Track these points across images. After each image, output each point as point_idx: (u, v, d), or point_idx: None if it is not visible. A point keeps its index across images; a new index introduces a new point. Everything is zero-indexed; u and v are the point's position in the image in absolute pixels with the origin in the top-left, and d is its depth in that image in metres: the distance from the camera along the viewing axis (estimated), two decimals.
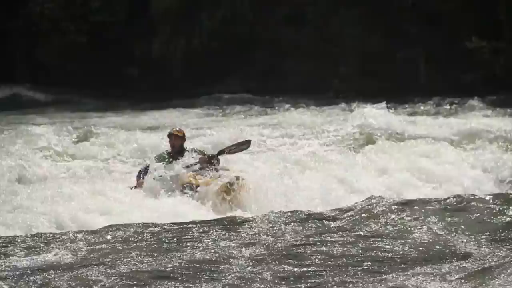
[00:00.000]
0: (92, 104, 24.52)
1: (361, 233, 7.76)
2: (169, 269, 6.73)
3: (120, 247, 7.53)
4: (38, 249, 7.57)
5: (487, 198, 9.02)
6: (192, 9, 26.89)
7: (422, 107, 20.17)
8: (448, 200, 9.00)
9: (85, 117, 20.77)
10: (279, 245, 7.40)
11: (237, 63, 26.00)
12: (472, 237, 7.41)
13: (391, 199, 9.15)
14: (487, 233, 7.53)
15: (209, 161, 10.42)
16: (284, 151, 13.31)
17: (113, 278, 6.49)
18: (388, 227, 7.88)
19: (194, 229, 8.17)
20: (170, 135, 10.68)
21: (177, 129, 10.79)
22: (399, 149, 12.40)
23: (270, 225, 8.31)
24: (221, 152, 10.73)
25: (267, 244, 7.45)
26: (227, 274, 6.54)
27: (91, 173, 11.48)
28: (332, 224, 8.21)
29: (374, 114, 15.17)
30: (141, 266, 6.84)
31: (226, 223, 8.58)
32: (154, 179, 10.14)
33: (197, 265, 6.79)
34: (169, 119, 17.09)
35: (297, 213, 8.76)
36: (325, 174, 10.85)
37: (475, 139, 13.35)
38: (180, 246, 7.47)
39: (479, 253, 6.89)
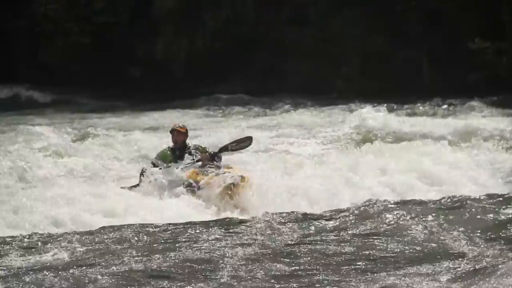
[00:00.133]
0: (93, 104, 24.54)
1: (356, 232, 7.79)
2: (164, 268, 6.76)
3: (116, 247, 7.56)
4: (35, 249, 7.59)
5: (484, 198, 9.05)
6: (194, 10, 26.88)
7: (424, 108, 20.14)
8: (444, 200, 9.03)
9: (85, 117, 20.79)
10: (274, 245, 7.44)
11: (239, 64, 25.99)
12: (467, 237, 7.43)
13: (389, 199, 9.18)
14: (481, 233, 7.54)
15: (210, 159, 10.43)
16: (283, 151, 13.30)
17: (109, 277, 6.53)
18: (384, 227, 7.90)
19: (191, 230, 8.19)
20: (172, 131, 10.68)
21: (180, 125, 10.80)
22: (398, 150, 12.39)
23: (267, 225, 8.34)
24: (222, 149, 10.72)
25: (262, 244, 7.48)
26: (221, 273, 6.57)
27: (90, 173, 11.47)
28: (328, 224, 8.24)
29: (373, 115, 15.16)
30: (137, 265, 6.86)
31: (223, 223, 8.61)
32: (150, 182, 10.15)
33: (193, 265, 6.82)
34: (169, 119, 17.09)
35: (294, 214, 8.80)
36: (323, 175, 10.82)
37: (474, 139, 13.31)
38: (176, 246, 7.49)
39: (473, 253, 6.90)
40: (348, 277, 6.40)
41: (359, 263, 6.76)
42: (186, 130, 10.73)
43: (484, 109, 18.97)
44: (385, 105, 17.02)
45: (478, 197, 9.02)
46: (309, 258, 6.94)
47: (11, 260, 7.22)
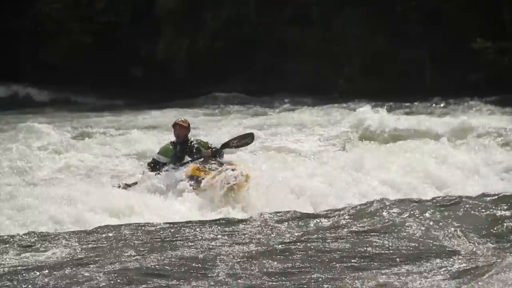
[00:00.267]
0: (94, 103, 24.65)
1: (353, 230, 7.80)
2: (161, 267, 6.76)
3: (114, 246, 7.57)
4: (33, 247, 7.61)
5: (481, 196, 9.08)
6: (196, 10, 26.90)
7: (424, 107, 20.19)
8: (441, 198, 9.05)
9: (85, 116, 20.85)
10: (271, 243, 7.44)
11: (241, 63, 26.01)
12: (463, 235, 7.42)
13: (386, 198, 9.19)
14: (478, 231, 7.55)
15: (212, 155, 10.44)
16: (281, 150, 13.29)
17: (106, 276, 6.52)
18: (380, 225, 7.90)
19: (190, 229, 8.20)
20: (175, 125, 10.69)
21: (182, 119, 10.84)
22: (397, 148, 12.41)
23: (264, 224, 8.34)
24: (225, 146, 10.73)
25: (258, 242, 7.49)
26: (218, 271, 6.58)
27: (89, 171, 11.49)
28: (325, 222, 8.25)
29: (373, 115, 15.18)
30: (135, 264, 6.87)
31: (221, 222, 8.61)
32: (150, 184, 10.16)
33: (189, 263, 6.82)
34: (168, 118, 17.12)
35: (291, 212, 8.78)
36: (322, 173, 10.82)
37: (473, 138, 13.33)
38: (174, 245, 7.51)
39: (468, 251, 6.91)
40: (343, 275, 6.41)
41: (354, 261, 6.77)
42: (189, 124, 10.74)
43: (485, 108, 19.00)
44: (386, 104, 17.06)
45: (475, 196, 9.03)
46: (305, 256, 6.94)
47: (8, 258, 7.22)
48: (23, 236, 8.11)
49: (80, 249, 7.47)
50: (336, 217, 8.50)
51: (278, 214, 8.73)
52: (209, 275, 6.51)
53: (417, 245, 7.19)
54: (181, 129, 10.64)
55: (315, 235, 7.67)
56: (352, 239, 7.44)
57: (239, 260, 6.87)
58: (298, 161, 11.73)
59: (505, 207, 8.30)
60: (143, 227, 8.40)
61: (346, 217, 8.45)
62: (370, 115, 15.01)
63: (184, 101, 22.36)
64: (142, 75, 27.21)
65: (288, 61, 25.84)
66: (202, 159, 10.35)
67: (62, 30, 27.47)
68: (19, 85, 26.74)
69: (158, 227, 8.42)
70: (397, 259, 6.78)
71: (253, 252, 7.11)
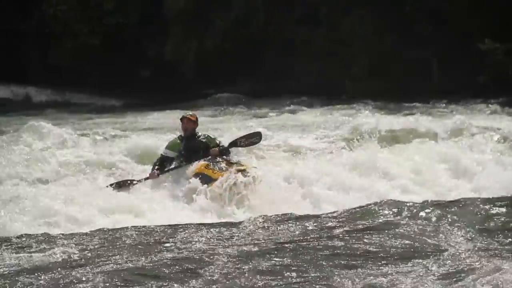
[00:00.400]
0: (95, 105, 24.71)
1: (347, 231, 7.80)
2: (156, 268, 6.79)
3: (110, 248, 7.59)
4: (29, 249, 7.63)
5: (480, 198, 9.06)
6: (204, 10, 26.90)
7: (430, 108, 20.15)
8: (435, 200, 9.04)
9: (90, 117, 20.94)
10: (264, 244, 7.47)
11: (249, 64, 26.01)
12: (453, 237, 7.43)
13: (385, 199, 9.15)
14: (469, 234, 7.52)
15: (220, 154, 10.44)
16: (283, 150, 13.33)
17: (101, 277, 6.53)
18: (374, 226, 7.91)
19: (187, 230, 8.22)
20: (182, 119, 10.71)
21: (190, 113, 10.87)
22: (400, 151, 12.40)
23: (261, 225, 8.36)
24: (232, 144, 10.73)
25: (252, 243, 7.52)
26: (211, 272, 6.62)
27: (89, 172, 11.49)
28: (321, 224, 8.24)
29: (378, 115, 15.19)
30: (131, 265, 6.90)
31: (219, 224, 8.64)
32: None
33: (185, 264, 6.85)
34: (172, 120, 17.17)
35: (289, 214, 8.77)
36: (325, 173, 10.82)
37: (474, 138, 13.29)
38: (171, 247, 7.53)
39: (456, 253, 6.89)
40: (333, 274, 6.45)
41: (345, 261, 6.81)
42: (196, 118, 10.75)
43: (491, 109, 18.92)
44: (392, 105, 17.00)
45: (470, 197, 9.05)
46: (297, 256, 6.98)
47: (4, 259, 7.23)
48: (19, 237, 8.15)
49: (76, 250, 7.48)
50: (334, 217, 8.52)
51: (277, 216, 8.71)
52: (204, 276, 6.54)
53: (408, 245, 7.21)
54: (188, 122, 10.65)
55: (309, 236, 7.69)
56: (346, 240, 7.45)
57: (234, 260, 6.89)
58: (302, 161, 11.72)
59: (500, 209, 8.29)
60: (141, 229, 8.41)
61: (341, 218, 8.45)
62: (376, 115, 15.02)
63: (189, 102, 22.36)
64: (149, 77, 27.23)
65: (296, 61, 25.82)
66: (209, 157, 10.34)
67: (69, 31, 27.51)
68: (24, 87, 26.83)
69: (156, 228, 8.42)
70: (388, 259, 6.81)
71: (248, 252, 7.13)
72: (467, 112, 18.17)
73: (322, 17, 26.15)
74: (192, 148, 10.49)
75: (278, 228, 8.17)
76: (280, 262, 6.80)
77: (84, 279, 6.53)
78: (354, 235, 7.58)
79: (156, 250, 7.39)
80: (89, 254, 7.35)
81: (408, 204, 8.58)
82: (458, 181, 10.69)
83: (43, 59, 27.72)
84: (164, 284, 6.38)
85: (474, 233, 7.46)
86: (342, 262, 6.76)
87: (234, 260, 6.90)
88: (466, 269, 6.34)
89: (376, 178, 10.64)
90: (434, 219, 8.01)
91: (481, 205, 8.45)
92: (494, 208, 8.32)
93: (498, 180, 10.16)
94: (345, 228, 7.90)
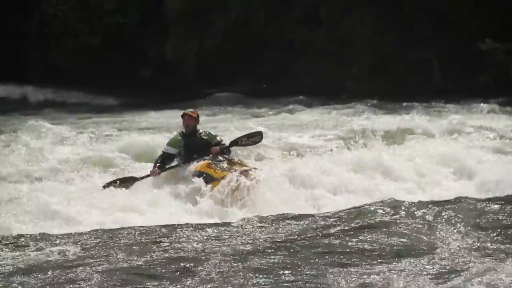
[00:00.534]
0: (95, 104, 24.72)
1: (343, 230, 7.79)
2: (153, 268, 6.80)
3: (107, 247, 7.59)
4: (25, 248, 7.63)
5: (479, 198, 9.04)
6: (204, 10, 26.89)
7: (430, 108, 20.14)
8: (436, 198, 9.08)
9: (86, 117, 20.99)
10: (261, 243, 7.48)
11: (249, 64, 26.01)
12: (449, 236, 7.41)
13: (383, 199, 9.14)
14: (465, 234, 7.49)
15: (220, 152, 10.44)
16: (282, 150, 13.32)
17: (98, 277, 6.54)
18: (371, 225, 7.90)
19: (183, 230, 8.21)
20: (184, 115, 10.74)
21: (192, 109, 10.90)
22: (401, 150, 12.40)
23: (260, 225, 8.35)
24: (233, 144, 10.75)
25: (248, 242, 7.54)
26: (207, 271, 6.63)
27: (89, 172, 11.49)
28: (317, 223, 8.23)
29: (378, 115, 15.21)
30: (127, 265, 6.91)
31: (217, 224, 8.63)
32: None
33: (181, 264, 6.85)
34: (170, 119, 17.22)
35: (285, 214, 8.76)
36: (324, 172, 10.81)
37: (474, 138, 13.31)
38: (166, 247, 7.53)
39: (451, 253, 6.90)
40: (328, 272, 6.49)
41: (340, 260, 6.82)
42: (198, 115, 10.78)
43: (493, 110, 18.93)
44: (392, 105, 17.00)
45: (471, 196, 9.01)
46: (292, 255, 7.00)
47: (1, 259, 7.23)
48: (16, 236, 8.14)
49: (73, 249, 7.48)
50: (330, 216, 8.51)
51: (273, 215, 8.71)
52: (200, 275, 6.54)
53: (403, 244, 7.22)
54: (190, 119, 10.68)
55: (306, 235, 7.69)
56: (341, 238, 7.47)
57: (230, 259, 6.90)
58: (301, 161, 11.71)
59: (496, 208, 8.28)
60: (138, 228, 8.40)
61: (337, 217, 8.45)
62: (377, 115, 15.04)
63: (189, 102, 22.32)
64: (150, 77, 27.22)
65: (296, 61, 25.81)
66: (210, 155, 10.35)
67: (69, 31, 27.48)
68: (24, 86, 26.83)
69: (153, 228, 8.41)
70: (382, 258, 6.83)
71: (244, 252, 7.14)
72: (466, 112, 18.18)
73: (322, 17, 26.13)
74: (193, 145, 10.51)
75: (274, 227, 8.17)
76: (276, 261, 6.82)
77: (81, 278, 6.53)
78: (349, 234, 7.59)
79: (152, 250, 7.40)
80: (86, 253, 7.35)
81: (404, 203, 8.57)
82: (457, 181, 10.70)
83: (43, 59, 27.70)
84: (160, 283, 6.39)
85: (470, 233, 7.45)
86: (337, 261, 6.79)
87: (230, 259, 6.91)
88: (459, 268, 6.36)
89: (376, 178, 10.63)
90: (430, 218, 8.00)
91: (478, 205, 8.44)
92: (491, 208, 8.31)
93: (496, 179, 10.16)
94: (341, 227, 7.90)
